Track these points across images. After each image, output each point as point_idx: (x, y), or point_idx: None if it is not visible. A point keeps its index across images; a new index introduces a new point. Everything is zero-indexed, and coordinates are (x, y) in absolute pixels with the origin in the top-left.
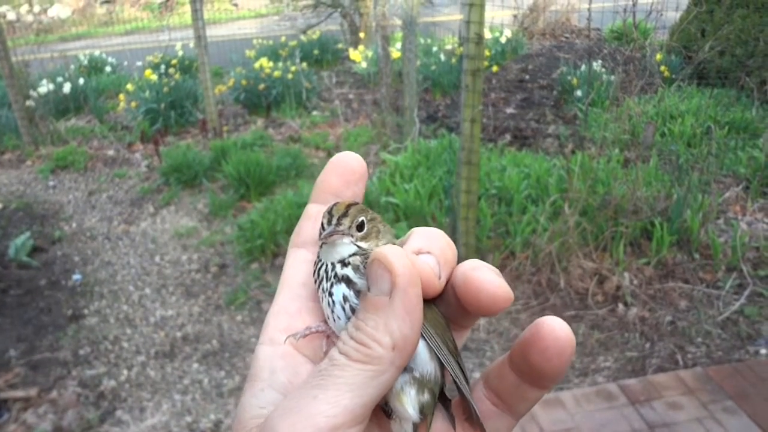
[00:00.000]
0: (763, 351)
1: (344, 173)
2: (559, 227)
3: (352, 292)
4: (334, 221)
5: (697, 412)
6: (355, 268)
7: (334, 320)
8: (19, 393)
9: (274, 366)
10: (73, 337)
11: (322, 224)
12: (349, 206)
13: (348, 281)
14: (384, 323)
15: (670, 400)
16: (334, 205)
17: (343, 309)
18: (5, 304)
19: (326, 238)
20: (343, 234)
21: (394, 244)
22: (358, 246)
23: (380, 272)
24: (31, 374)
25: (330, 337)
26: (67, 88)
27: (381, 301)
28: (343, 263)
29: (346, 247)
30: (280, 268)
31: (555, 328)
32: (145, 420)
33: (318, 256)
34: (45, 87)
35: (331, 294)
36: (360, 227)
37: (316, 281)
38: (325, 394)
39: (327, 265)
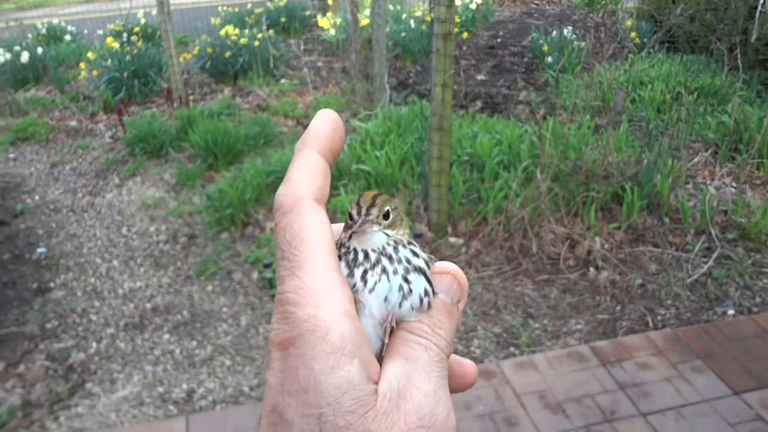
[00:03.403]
0: (730, 312)
1: (338, 127)
2: (531, 193)
3: (431, 289)
4: (364, 212)
5: (666, 372)
6: (426, 263)
7: (399, 306)
8: None
9: (360, 343)
10: (39, 310)
11: (351, 215)
12: (375, 197)
13: (426, 277)
14: (453, 329)
15: (641, 361)
16: (361, 196)
17: (421, 302)
18: None
19: (359, 228)
20: (372, 223)
21: (411, 234)
22: (386, 234)
23: (454, 285)
24: None
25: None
26: (25, 57)
27: (453, 309)
28: (415, 253)
29: (376, 235)
30: (251, 237)
31: (474, 368)
32: (116, 392)
33: (345, 244)
34: (2, 56)
35: (408, 281)
36: (386, 216)
37: (350, 265)
38: (447, 383)
39: (369, 251)
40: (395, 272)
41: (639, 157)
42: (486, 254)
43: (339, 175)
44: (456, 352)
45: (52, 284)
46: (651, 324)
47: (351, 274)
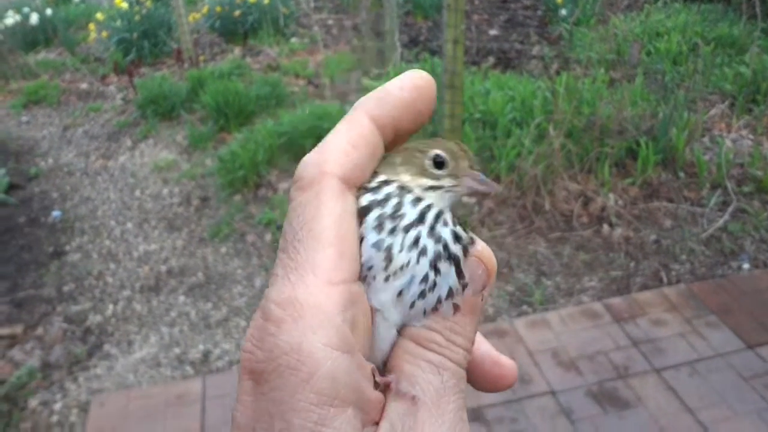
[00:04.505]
0: (745, 266)
1: (421, 97)
2: (544, 150)
3: (459, 288)
4: (475, 166)
5: (680, 328)
6: (464, 251)
7: (411, 306)
8: (4, 330)
9: (358, 383)
10: (56, 273)
11: (440, 159)
12: (466, 146)
13: (458, 268)
14: (476, 326)
15: (654, 317)
16: (456, 143)
17: (439, 302)
18: None
19: (486, 187)
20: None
21: None
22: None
23: (479, 270)
24: (16, 312)
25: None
26: (34, 19)
27: (476, 302)
28: (456, 236)
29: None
30: (263, 199)
31: (514, 371)
32: (134, 353)
33: (413, 193)
34: (11, 18)
35: (438, 271)
36: None
37: (382, 224)
38: (465, 414)
39: (432, 210)
40: (423, 253)
41: (654, 111)
42: (498, 213)
43: None
44: None
45: (67, 247)
46: (665, 280)
47: (377, 245)
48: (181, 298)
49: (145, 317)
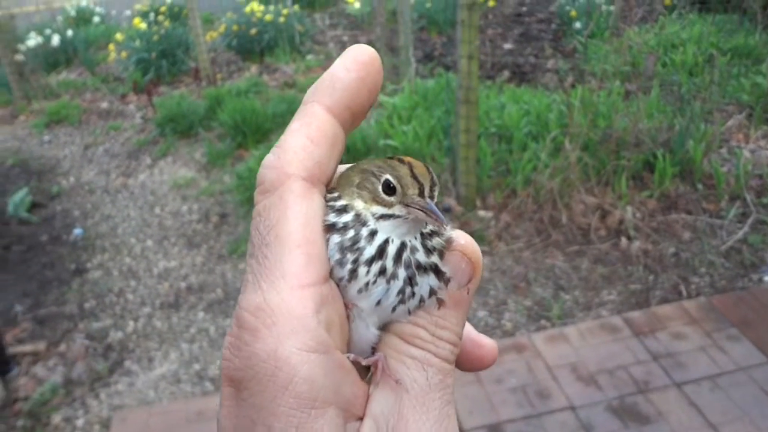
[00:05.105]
0: (766, 278)
1: (369, 74)
2: (560, 163)
3: (442, 284)
4: (427, 192)
5: (701, 341)
6: (440, 254)
7: (393, 310)
8: (28, 347)
9: (338, 382)
10: (77, 290)
11: (389, 185)
12: (428, 168)
13: (437, 271)
14: (463, 319)
15: (674, 331)
16: (410, 165)
17: (421, 302)
18: (8, 260)
19: (435, 218)
20: (441, 215)
21: None
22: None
23: (463, 264)
24: (39, 329)
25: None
26: (56, 40)
27: (462, 295)
28: (428, 249)
29: (417, 226)
30: None
31: (494, 351)
32: (154, 369)
33: (349, 216)
34: (33, 40)
35: (412, 284)
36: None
37: (343, 249)
38: (452, 409)
39: (392, 244)
40: (394, 277)
41: (671, 123)
42: (516, 226)
43: (366, 151)
44: (486, 326)
45: (89, 265)
46: (685, 293)
47: (341, 262)
48: (201, 315)
49: (165, 334)
